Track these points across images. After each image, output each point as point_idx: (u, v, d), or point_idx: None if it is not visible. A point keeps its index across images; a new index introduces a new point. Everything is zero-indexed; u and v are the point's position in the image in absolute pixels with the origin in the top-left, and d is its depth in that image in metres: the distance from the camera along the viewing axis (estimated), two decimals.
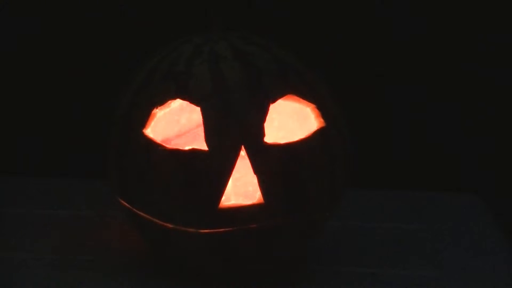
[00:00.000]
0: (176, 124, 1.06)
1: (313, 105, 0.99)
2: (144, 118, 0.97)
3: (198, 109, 0.95)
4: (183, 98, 0.96)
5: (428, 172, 1.34)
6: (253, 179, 0.95)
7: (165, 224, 0.96)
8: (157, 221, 0.97)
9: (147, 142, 0.96)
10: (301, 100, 0.99)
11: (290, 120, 1.04)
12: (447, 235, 1.17)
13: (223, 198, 0.94)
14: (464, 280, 1.05)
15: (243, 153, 0.94)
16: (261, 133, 0.94)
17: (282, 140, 0.96)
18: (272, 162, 0.94)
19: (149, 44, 1.15)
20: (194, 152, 0.94)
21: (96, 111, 1.31)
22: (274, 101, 0.96)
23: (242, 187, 1.03)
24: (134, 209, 0.99)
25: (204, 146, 0.94)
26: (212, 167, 0.94)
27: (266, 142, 0.94)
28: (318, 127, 0.98)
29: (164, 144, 0.96)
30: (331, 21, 1.28)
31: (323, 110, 0.99)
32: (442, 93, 1.31)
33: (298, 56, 1.03)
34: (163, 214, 0.96)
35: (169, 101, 0.97)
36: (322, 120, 0.99)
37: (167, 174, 0.94)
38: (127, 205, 1.00)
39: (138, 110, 0.98)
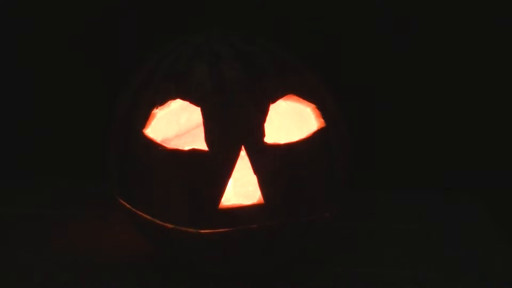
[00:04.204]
0: (176, 124, 1.06)
1: (313, 105, 0.99)
2: (144, 118, 0.97)
3: (198, 109, 0.95)
4: (183, 98, 0.96)
5: (428, 172, 1.34)
6: (253, 179, 0.95)
7: (165, 224, 0.96)
8: (157, 221, 0.97)
9: (147, 142, 0.96)
10: (301, 100, 0.99)
11: (290, 120, 1.04)
12: (447, 235, 1.17)
13: (223, 198, 0.94)
14: (464, 280, 1.05)
15: (243, 153, 0.94)
16: (261, 133, 0.94)
17: (282, 140, 0.96)
18: (272, 162, 0.94)
19: (149, 44, 1.15)
20: (194, 152, 0.94)
21: (96, 111, 1.31)
22: (274, 101, 0.96)
23: (242, 187, 1.04)
24: (134, 209, 0.99)
25: (204, 146, 0.94)
26: (212, 167, 0.94)
27: (266, 142, 0.94)
28: (318, 127, 0.98)
29: (164, 144, 0.96)
30: (331, 21, 1.28)
31: (323, 110, 0.99)
32: (442, 93, 1.31)
33: (298, 56, 1.03)
34: (163, 214, 0.96)
35: (169, 101, 0.97)
36: (322, 120, 0.99)
37: (167, 174, 0.94)
38: (127, 205, 1.00)
39: (138, 110, 0.98)
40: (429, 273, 1.06)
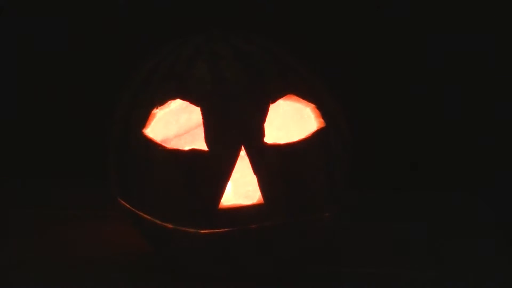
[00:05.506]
0: (176, 124, 1.06)
1: (313, 105, 0.99)
2: (144, 118, 0.97)
3: (198, 109, 0.95)
4: (183, 98, 0.96)
5: (428, 172, 1.34)
6: (253, 179, 0.94)
7: (165, 224, 0.96)
8: (157, 221, 0.97)
9: (147, 142, 0.96)
10: (301, 100, 0.99)
11: (290, 120, 1.04)
12: (447, 235, 1.17)
13: (223, 198, 0.94)
14: (464, 280, 1.05)
15: (243, 153, 0.94)
16: (261, 133, 0.94)
17: (282, 140, 0.96)
18: (272, 162, 0.94)
19: (149, 44, 1.15)
20: (194, 152, 0.94)
21: (96, 111, 1.31)
22: (274, 101, 0.96)
23: (242, 187, 1.03)
24: (134, 209, 0.99)
25: (204, 146, 0.94)
26: (212, 167, 0.94)
27: (266, 142, 0.94)
28: (318, 127, 0.98)
29: (164, 144, 0.96)
30: (331, 21, 1.28)
31: (323, 110, 0.99)
32: (442, 93, 1.31)
33: (298, 56, 1.03)
34: (163, 214, 0.96)
35: (169, 101, 0.97)
36: (322, 120, 0.98)
37: (167, 174, 0.94)
38: (127, 205, 1.00)
39: (138, 110, 0.98)
40: (429, 273, 1.06)
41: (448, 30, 1.28)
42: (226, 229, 0.95)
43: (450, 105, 1.32)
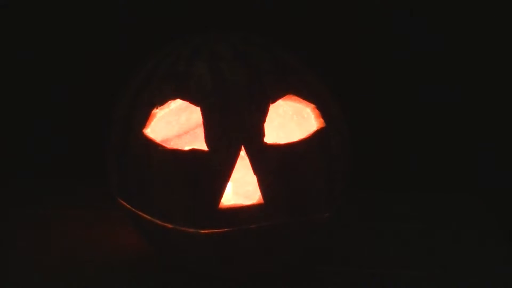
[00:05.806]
0: (176, 124, 1.06)
1: (313, 105, 0.99)
2: (144, 118, 0.97)
3: (198, 109, 0.95)
4: (183, 98, 0.96)
5: (428, 172, 1.34)
6: (253, 179, 0.94)
7: (165, 224, 0.96)
8: (157, 221, 0.97)
9: (147, 142, 0.96)
10: (301, 100, 0.99)
11: (290, 120, 1.04)
12: (447, 235, 1.17)
13: (223, 198, 0.94)
14: (464, 280, 1.05)
15: (243, 153, 0.94)
16: (261, 133, 0.94)
17: (282, 140, 0.96)
18: (272, 162, 0.94)
19: (149, 44, 1.15)
20: (194, 152, 0.94)
21: (96, 111, 1.31)
22: (274, 101, 0.96)
23: (242, 187, 1.04)
24: (134, 209, 0.99)
25: (204, 146, 0.94)
26: (212, 167, 0.94)
27: (266, 142, 0.94)
28: (318, 127, 0.98)
29: (164, 144, 0.96)
30: (331, 21, 1.28)
31: (323, 110, 0.99)
32: (442, 94, 1.31)
33: (298, 56, 1.03)
34: (163, 214, 0.96)
35: (169, 101, 0.97)
36: (322, 120, 0.99)
37: (167, 174, 0.94)
38: (127, 205, 1.00)
39: (138, 110, 0.98)
40: (429, 273, 1.06)
41: (448, 30, 1.28)
42: (226, 229, 0.95)
43: (450, 105, 1.32)
